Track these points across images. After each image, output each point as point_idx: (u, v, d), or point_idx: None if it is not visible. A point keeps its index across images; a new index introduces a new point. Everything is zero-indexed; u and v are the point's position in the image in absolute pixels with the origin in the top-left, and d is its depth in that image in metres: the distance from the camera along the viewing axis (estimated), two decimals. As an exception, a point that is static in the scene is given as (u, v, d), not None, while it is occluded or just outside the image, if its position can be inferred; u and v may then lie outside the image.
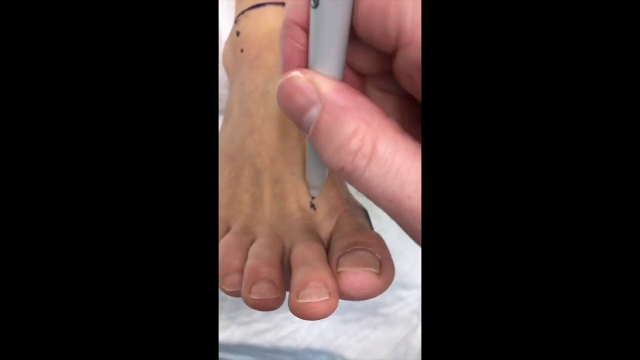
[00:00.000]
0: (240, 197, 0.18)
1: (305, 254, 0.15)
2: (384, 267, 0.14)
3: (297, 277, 0.14)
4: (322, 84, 0.11)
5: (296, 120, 0.11)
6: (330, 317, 0.29)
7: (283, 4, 0.20)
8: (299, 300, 0.13)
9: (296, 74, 0.11)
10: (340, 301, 0.29)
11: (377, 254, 0.14)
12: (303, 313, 0.13)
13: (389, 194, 0.10)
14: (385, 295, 0.29)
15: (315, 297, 0.13)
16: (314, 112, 0.11)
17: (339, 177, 0.17)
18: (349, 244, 0.15)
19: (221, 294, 0.26)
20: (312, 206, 0.18)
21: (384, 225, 0.28)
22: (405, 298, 0.29)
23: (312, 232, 0.17)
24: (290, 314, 0.30)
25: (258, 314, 0.28)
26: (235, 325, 0.28)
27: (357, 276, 0.14)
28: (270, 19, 0.20)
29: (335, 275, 0.14)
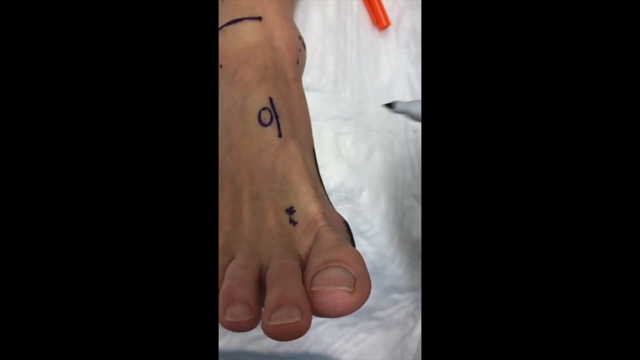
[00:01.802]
0: (221, 214, 0.18)
1: (279, 273, 0.15)
2: (358, 284, 0.14)
3: (270, 298, 0.14)
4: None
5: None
6: (327, 321, 0.30)
7: (260, 18, 0.21)
8: (271, 323, 0.13)
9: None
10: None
11: (352, 271, 0.15)
12: (275, 335, 0.13)
13: None
14: (380, 299, 0.30)
15: (286, 319, 0.13)
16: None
17: None
18: (323, 262, 0.15)
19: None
20: (292, 222, 0.18)
21: (375, 230, 0.29)
22: (400, 301, 0.30)
23: (289, 249, 0.17)
24: (286, 320, 0.30)
25: (255, 321, 0.29)
26: (232, 333, 0.28)
27: (329, 295, 0.14)
28: (248, 33, 0.20)
29: (310, 294, 0.14)
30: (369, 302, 0.29)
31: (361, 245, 0.29)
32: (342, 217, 0.20)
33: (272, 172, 0.19)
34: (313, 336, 0.30)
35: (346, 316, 0.29)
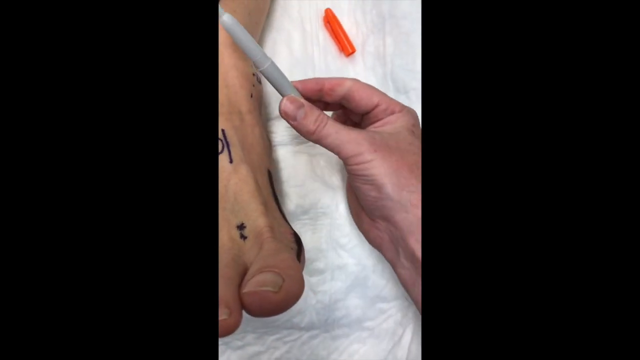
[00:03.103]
0: None
1: (217, 281, 0.17)
2: (285, 285, 0.16)
3: None
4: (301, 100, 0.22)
5: (292, 116, 0.22)
6: (321, 334, 0.31)
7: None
8: None
9: (288, 97, 0.22)
10: (327, 318, 0.30)
11: (282, 275, 0.16)
12: None
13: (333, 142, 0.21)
14: (367, 310, 0.31)
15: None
16: (301, 110, 0.22)
17: (310, 139, 0.22)
18: (258, 268, 0.17)
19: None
20: (242, 237, 0.20)
21: (354, 242, 0.30)
22: (387, 310, 0.30)
23: (235, 261, 0.19)
24: (281, 335, 0.31)
25: (250, 337, 0.30)
26: (230, 350, 0.30)
27: (254, 296, 0.16)
28: (225, 59, 0.24)
29: (241, 296, 0.16)
30: (358, 313, 0.30)
31: (342, 257, 0.30)
32: (292, 229, 0.22)
33: (225, 193, 0.21)
34: (308, 350, 0.31)
35: (338, 328, 0.30)
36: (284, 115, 0.21)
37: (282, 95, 0.22)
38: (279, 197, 0.25)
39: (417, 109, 0.30)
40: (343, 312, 0.30)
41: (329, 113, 0.27)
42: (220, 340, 0.30)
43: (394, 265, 0.23)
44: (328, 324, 0.31)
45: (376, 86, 0.32)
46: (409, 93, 0.31)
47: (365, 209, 0.24)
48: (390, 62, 0.31)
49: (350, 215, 0.29)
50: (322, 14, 0.32)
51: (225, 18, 0.19)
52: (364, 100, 0.23)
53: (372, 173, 0.21)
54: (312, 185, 0.30)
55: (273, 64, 0.21)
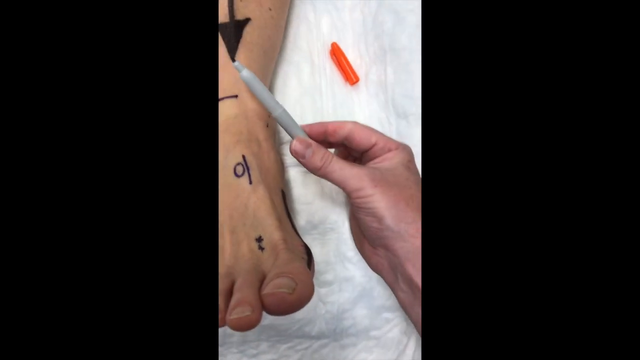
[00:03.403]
0: None
1: (241, 284, 0.20)
2: (298, 289, 0.19)
3: (232, 301, 0.19)
4: (309, 140, 0.25)
5: (301, 154, 0.24)
6: (330, 343, 0.33)
7: (236, 96, 0.27)
8: (229, 317, 0.18)
9: (298, 137, 0.25)
10: (335, 327, 0.33)
11: (295, 279, 0.19)
12: (233, 326, 0.18)
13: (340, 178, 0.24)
14: (374, 319, 0.33)
15: (240, 313, 0.18)
16: (309, 149, 0.24)
17: (317, 175, 0.25)
18: (275, 274, 0.20)
19: (229, 331, 0.30)
20: (260, 248, 0.23)
21: (360, 255, 0.32)
22: (392, 320, 0.32)
23: (255, 269, 0.22)
24: (293, 344, 0.34)
25: (264, 345, 0.32)
26: (246, 358, 0.32)
27: (273, 297, 0.18)
28: (227, 108, 0.27)
29: (261, 297, 0.19)
30: (365, 322, 0.33)
31: (349, 269, 0.32)
32: (302, 242, 0.25)
33: (245, 211, 0.24)
34: (319, 358, 0.33)
35: (346, 337, 0.32)
36: (294, 153, 0.24)
37: (292, 137, 0.25)
38: (291, 214, 0.27)
39: (417, 132, 0.33)
40: (351, 322, 0.32)
41: (332, 150, 0.30)
42: (236, 348, 0.32)
43: (393, 288, 0.26)
44: (337, 333, 0.33)
45: (377, 112, 0.35)
46: (409, 118, 0.33)
47: (368, 238, 0.26)
48: (392, 90, 0.34)
49: (356, 231, 0.32)
50: (329, 47, 0.35)
51: (244, 73, 0.22)
52: (363, 139, 0.25)
53: (373, 206, 0.23)
54: (320, 203, 0.33)
55: (284, 111, 0.24)
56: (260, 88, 0.23)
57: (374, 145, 0.25)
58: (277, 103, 0.24)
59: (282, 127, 0.25)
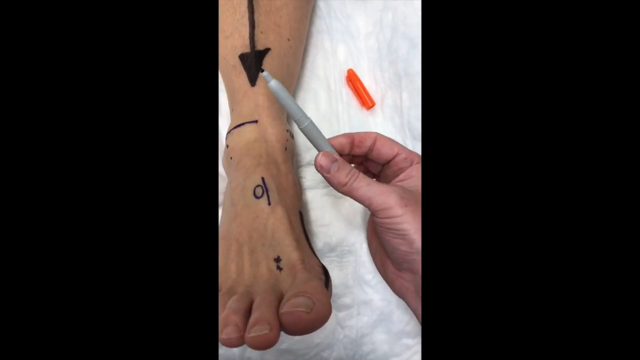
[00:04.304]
0: (229, 267, 0.24)
1: (259, 303, 0.20)
2: (316, 308, 0.19)
3: (250, 319, 0.19)
4: (335, 155, 0.25)
5: (326, 169, 0.24)
6: (349, 371, 0.32)
7: (256, 121, 0.28)
8: (248, 335, 0.18)
9: (324, 152, 0.25)
10: (354, 353, 0.32)
11: (313, 299, 0.19)
12: (251, 344, 0.18)
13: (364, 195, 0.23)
14: (393, 345, 0.32)
15: (258, 332, 0.18)
16: (335, 164, 0.24)
17: (342, 191, 0.24)
18: (293, 293, 0.20)
19: (247, 355, 0.30)
20: (279, 268, 0.23)
21: (378, 278, 0.32)
22: (412, 346, 0.32)
23: (273, 288, 0.22)
24: (306, 365, 0.33)
25: (281, 370, 0.32)
26: (263, 383, 0.32)
27: (290, 315, 0.19)
28: (248, 133, 0.28)
29: (280, 316, 0.19)
30: (384, 348, 0.32)
31: (368, 293, 0.32)
32: (319, 262, 0.25)
33: (264, 231, 0.25)
34: (337, 385, 0.32)
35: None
36: (319, 168, 0.24)
37: (318, 150, 0.25)
38: (308, 235, 0.28)
39: (433, 154, 0.33)
40: (370, 347, 0.32)
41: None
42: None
43: (418, 315, 0.25)
44: (356, 359, 0.32)
45: (394, 135, 0.35)
46: (425, 140, 0.34)
47: (393, 261, 0.25)
48: (407, 114, 0.35)
49: (374, 254, 0.32)
50: (345, 73, 0.36)
51: (272, 84, 0.23)
52: (385, 149, 0.25)
53: (403, 228, 0.22)
54: (337, 224, 0.33)
55: (312, 123, 0.24)
56: (288, 98, 0.23)
57: (396, 155, 0.25)
58: (305, 115, 0.24)
59: (309, 139, 0.25)
